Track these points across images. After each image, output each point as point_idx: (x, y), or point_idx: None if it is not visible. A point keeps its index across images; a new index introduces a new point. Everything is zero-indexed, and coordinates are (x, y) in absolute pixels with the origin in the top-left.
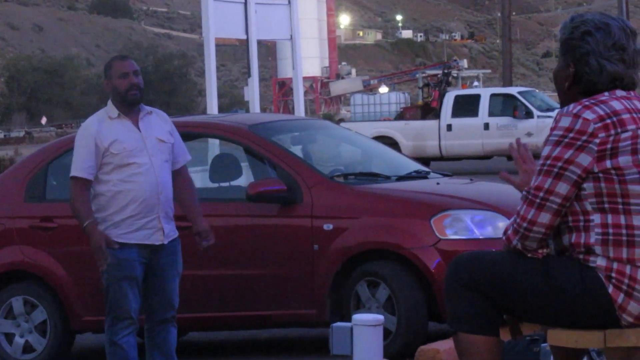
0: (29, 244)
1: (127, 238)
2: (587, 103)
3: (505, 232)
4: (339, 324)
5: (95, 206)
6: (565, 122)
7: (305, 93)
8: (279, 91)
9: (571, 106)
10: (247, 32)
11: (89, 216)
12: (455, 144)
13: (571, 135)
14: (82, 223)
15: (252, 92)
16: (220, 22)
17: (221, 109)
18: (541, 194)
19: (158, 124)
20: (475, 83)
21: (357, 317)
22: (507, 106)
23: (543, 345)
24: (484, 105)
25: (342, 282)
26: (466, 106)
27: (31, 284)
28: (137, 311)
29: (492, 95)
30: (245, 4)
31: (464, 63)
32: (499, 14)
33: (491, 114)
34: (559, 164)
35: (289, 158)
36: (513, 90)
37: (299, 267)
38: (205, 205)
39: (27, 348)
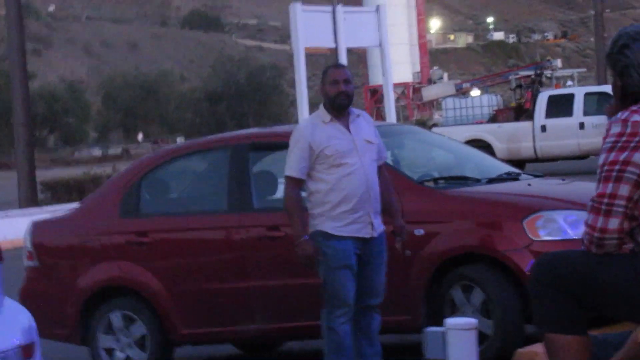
0: (126, 259)
1: (342, 231)
2: (634, 108)
3: (583, 243)
4: (432, 328)
5: (312, 202)
6: (616, 128)
7: (397, 99)
8: (371, 98)
9: (619, 114)
10: (336, 41)
11: (300, 226)
12: (550, 145)
13: (623, 139)
14: (295, 231)
15: None
16: (309, 32)
17: None
18: (605, 200)
19: (365, 126)
20: (569, 82)
21: (450, 321)
22: (602, 104)
23: None
24: (578, 104)
25: (436, 287)
26: (560, 106)
27: (129, 299)
28: (353, 298)
29: (587, 94)
30: (334, 12)
31: (558, 63)
32: (592, 12)
33: (586, 113)
34: (617, 167)
35: None
36: (607, 88)
37: (392, 274)
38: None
39: None
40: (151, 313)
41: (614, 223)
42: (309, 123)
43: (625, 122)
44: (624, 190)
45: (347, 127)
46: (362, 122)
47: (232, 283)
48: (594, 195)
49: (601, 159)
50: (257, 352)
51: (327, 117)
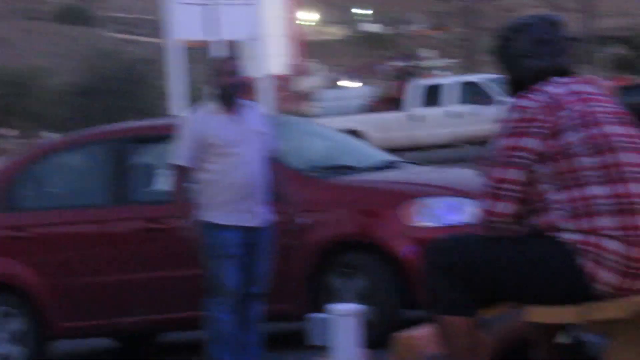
0: (2, 254)
1: (225, 220)
2: (523, 94)
3: (477, 225)
4: (315, 314)
5: (197, 192)
6: (507, 114)
7: (273, 91)
8: (243, 90)
9: (510, 100)
10: (210, 33)
11: (185, 213)
12: (421, 134)
13: (513, 124)
14: (180, 219)
15: None
16: (183, 24)
17: None
18: (497, 185)
19: (255, 117)
20: (438, 72)
21: (332, 307)
22: (470, 94)
23: None
24: (447, 93)
25: (318, 274)
26: (430, 96)
27: (6, 294)
28: (236, 287)
29: (455, 84)
30: (207, 5)
31: (429, 53)
32: (463, 3)
33: (455, 102)
34: (507, 152)
35: None
36: (475, 78)
37: (275, 262)
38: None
39: (5, 358)
40: (29, 308)
41: (504, 207)
42: (197, 113)
43: (515, 107)
44: (513, 174)
45: (236, 118)
46: (252, 113)
47: (110, 276)
48: (488, 179)
49: (494, 144)
50: (135, 344)
51: (216, 107)
